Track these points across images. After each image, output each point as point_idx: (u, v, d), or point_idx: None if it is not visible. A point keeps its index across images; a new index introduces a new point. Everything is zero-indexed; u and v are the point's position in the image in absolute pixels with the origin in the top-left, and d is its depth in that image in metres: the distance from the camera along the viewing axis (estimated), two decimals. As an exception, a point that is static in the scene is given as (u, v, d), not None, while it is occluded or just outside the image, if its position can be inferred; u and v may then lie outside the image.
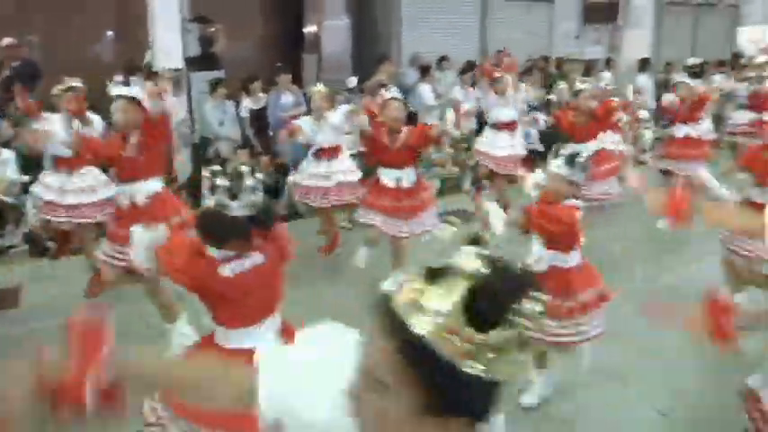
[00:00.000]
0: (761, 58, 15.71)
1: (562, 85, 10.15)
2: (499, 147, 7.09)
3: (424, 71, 9.76)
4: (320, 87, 6.20)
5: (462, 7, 11.52)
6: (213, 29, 8.60)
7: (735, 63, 14.21)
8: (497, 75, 7.17)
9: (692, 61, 12.47)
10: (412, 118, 9.47)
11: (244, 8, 9.68)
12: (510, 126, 7.17)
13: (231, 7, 9.30)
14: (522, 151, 7.25)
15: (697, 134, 7.23)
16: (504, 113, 7.15)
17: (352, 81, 8.24)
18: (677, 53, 13.43)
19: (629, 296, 5.19)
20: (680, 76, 7.95)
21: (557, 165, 3.39)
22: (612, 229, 6.43)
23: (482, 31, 11.51)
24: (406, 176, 5.08)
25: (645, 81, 11.72)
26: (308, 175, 6.02)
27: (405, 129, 5.10)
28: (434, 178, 7.95)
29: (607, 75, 11.64)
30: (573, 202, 3.39)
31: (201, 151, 7.81)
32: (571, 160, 3.35)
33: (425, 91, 9.26)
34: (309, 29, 10.29)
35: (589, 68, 11.47)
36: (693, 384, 3.99)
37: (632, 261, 6.03)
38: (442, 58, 10.26)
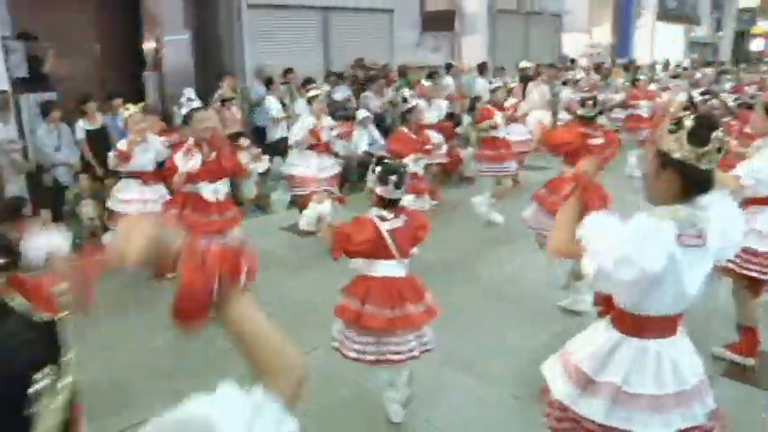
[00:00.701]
0: (582, 62, 17.13)
1: (407, 92, 10.58)
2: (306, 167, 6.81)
3: (269, 83, 9.80)
4: (132, 110, 6.13)
5: (305, 20, 11.66)
6: (42, 47, 8.12)
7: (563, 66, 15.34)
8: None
9: (523, 64, 13.38)
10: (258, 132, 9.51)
11: (75, 25, 9.24)
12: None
13: (61, 24, 8.84)
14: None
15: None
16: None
17: (189, 92, 8.16)
18: (511, 57, 14.33)
19: (473, 291, 5.54)
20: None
21: (371, 180, 3.43)
22: (450, 231, 6.80)
23: (325, 43, 11.70)
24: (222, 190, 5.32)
25: (483, 84, 12.39)
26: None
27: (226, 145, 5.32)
28: (285, 190, 7.95)
29: (449, 80, 12.21)
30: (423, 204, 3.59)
31: (38, 179, 7.39)
32: (384, 177, 3.36)
33: (272, 103, 9.28)
34: (149, 45, 9.98)
35: (432, 75, 11.95)
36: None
37: (473, 257, 6.41)
38: (288, 71, 10.31)
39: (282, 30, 11.37)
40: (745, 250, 3.79)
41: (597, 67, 16.64)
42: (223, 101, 8.66)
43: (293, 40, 11.45)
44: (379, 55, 12.35)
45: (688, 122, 2.14)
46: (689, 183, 2.18)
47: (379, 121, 10.03)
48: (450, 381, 4.07)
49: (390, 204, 3.42)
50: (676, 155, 2.15)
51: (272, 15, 11.20)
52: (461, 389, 4.01)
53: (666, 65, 18.79)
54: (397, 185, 3.37)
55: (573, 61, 17.58)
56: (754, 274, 3.90)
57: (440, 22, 13.58)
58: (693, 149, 2.12)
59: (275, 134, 9.24)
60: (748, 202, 3.83)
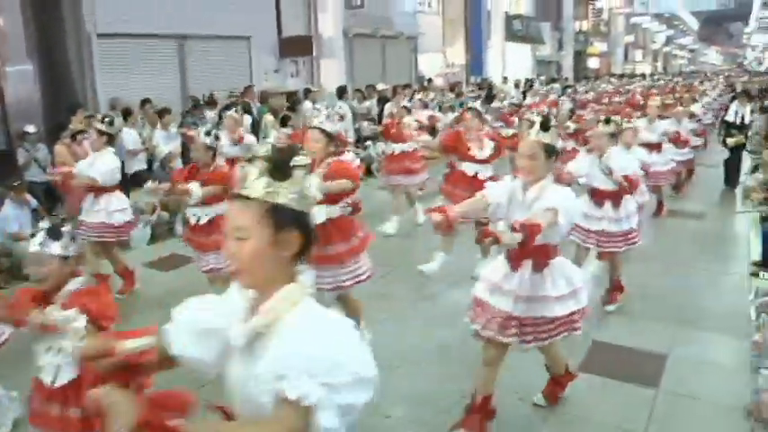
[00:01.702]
0: (438, 81, 17.93)
1: (269, 117, 10.70)
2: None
3: (127, 115, 9.57)
4: None
5: (160, 48, 11.52)
6: None
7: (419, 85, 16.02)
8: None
9: (380, 86, 13.86)
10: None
11: None
12: None
13: None
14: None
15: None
16: None
17: (30, 128, 8.01)
18: (369, 80, 14.79)
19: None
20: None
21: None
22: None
23: (182, 71, 11.60)
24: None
25: (343, 107, 12.72)
26: None
27: None
28: (146, 225, 7.82)
29: (308, 104, 12.43)
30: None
31: None
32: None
33: (129, 136, 9.08)
34: (-12, 76, 9.45)
35: (292, 99, 12.12)
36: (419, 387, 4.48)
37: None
38: (145, 101, 10.14)
39: (137, 59, 11.17)
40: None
41: (452, 87, 17.54)
42: (74, 135, 8.39)
43: (148, 69, 11.27)
44: (239, 82, 12.39)
45: None
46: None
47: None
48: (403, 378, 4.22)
49: None
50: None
51: (125, 44, 10.99)
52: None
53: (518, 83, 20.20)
54: None
55: (430, 81, 18.42)
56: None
57: (298, 47, 13.80)
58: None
59: (133, 167, 9.04)
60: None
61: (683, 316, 5.32)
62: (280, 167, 1.56)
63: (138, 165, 9.04)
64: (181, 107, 11.20)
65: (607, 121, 5.32)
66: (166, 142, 9.20)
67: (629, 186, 5.28)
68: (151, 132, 9.33)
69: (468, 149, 6.09)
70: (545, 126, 3.25)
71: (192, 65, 11.81)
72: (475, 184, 5.51)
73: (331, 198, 3.98)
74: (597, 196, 5.30)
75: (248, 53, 13.07)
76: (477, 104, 7.10)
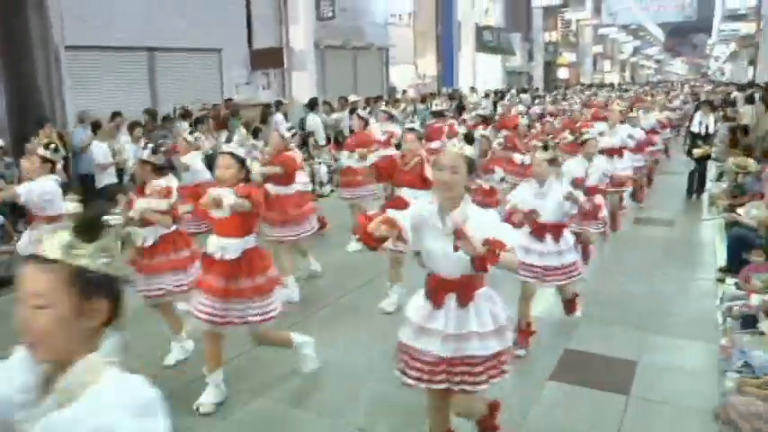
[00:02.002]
0: (410, 92, 18.04)
1: (242, 130, 10.68)
2: None
3: (96, 128, 9.48)
4: None
5: (129, 61, 11.43)
6: None
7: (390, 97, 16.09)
8: None
9: (352, 98, 13.90)
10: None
11: None
12: None
13: None
14: None
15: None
16: None
17: None
18: (341, 91, 14.82)
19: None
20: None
21: None
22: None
23: (152, 84, 11.52)
24: None
25: (314, 119, 12.73)
26: None
27: None
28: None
29: (279, 117, 12.41)
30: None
31: None
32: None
33: (99, 149, 8.99)
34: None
35: (264, 111, 12.10)
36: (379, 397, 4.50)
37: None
38: (115, 114, 10.04)
39: (106, 71, 11.09)
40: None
41: (423, 99, 17.65)
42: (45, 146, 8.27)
43: (118, 82, 11.18)
44: (210, 94, 12.34)
45: None
46: None
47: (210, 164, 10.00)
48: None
49: None
50: None
51: (94, 56, 10.90)
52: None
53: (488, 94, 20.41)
54: None
55: (404, 92, 18.53)
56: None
57: (269, 60, 13.79)
58: None
59: (103, 180, 8.95)
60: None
61: (653, 322, 5.41)
62: (88, 226, 1.36)
63: (109, 178, 8.95)
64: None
65: (545, 148, 5.02)
66: (137, 155, 9.10)
67: (592, 210, 5.22)
68: (122, 146, 9.23)
69: (406, 174, 5.50)
70: (469, 139, 3.14)
71: (163, 77, 11.74)
72: None
73: (244, 227, 3.97)
74: (538, 229, 4.84)
75: (219, 65, 13.03)
76: (417, 125, 6.75)
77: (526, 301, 4.83)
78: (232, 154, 4.01)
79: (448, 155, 2.90)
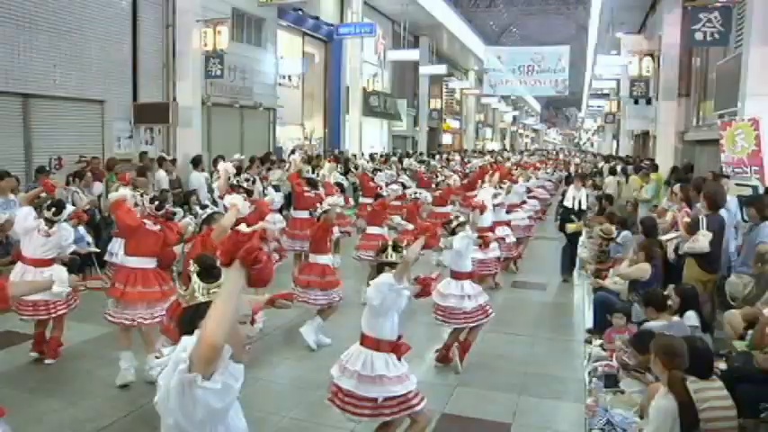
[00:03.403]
0: (297, 155, 18.14)
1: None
2: None
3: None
4: None
5: (0, 106, 10.83)
6: None
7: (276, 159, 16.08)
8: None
9: (236, 156, 13.77)
10: None
11: None
12: None
13: None
14: None
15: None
16: None
17: None
18: (227, 149, 14.65)
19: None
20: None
21: None
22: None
23: (26, 133, 10.92)
24: None
25: (198, 177, 12.50)
26: None
27: None
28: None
29: (161, 173, 12.12)
30: None
31: None
32: None
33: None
34: None
35: (144, 167, 11.74)
36: None
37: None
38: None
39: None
40: None
41: (310, 159, 17.76)
42: None
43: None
44: (90, 147, 11.89)
45: None
46: None
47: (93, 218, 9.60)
48: None
49: None
50: None
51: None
52: None
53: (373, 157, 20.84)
54: None
55: (293, 152, 18.54)
56: None
57: (154, 114, 13.48)
58: None
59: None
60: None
61: (527, 384, 5.63)
62: None
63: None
64: (25, 170, 10.53)
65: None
66: (3, 209, 8.55)
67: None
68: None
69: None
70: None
71: (39, 126, 11.16)
72: None
73: None
74: (458, 276, 5.57)
75: (101, 117, 12.60)
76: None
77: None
78: None
79: None
